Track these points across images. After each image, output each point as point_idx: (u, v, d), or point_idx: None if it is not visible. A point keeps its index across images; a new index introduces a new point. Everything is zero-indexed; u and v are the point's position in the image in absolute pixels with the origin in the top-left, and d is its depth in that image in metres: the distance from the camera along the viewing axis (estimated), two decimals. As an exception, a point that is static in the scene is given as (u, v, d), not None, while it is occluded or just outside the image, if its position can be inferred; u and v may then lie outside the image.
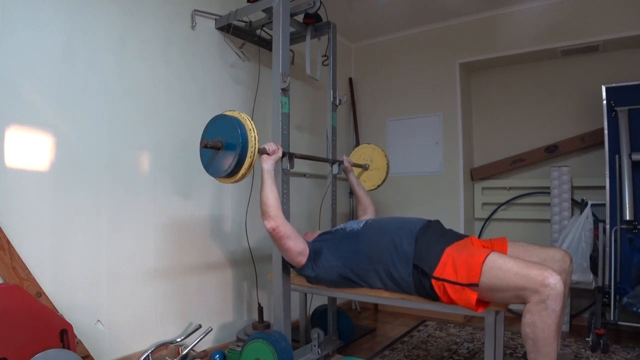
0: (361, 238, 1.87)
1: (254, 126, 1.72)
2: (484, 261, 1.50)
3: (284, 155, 1.97)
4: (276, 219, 1.81)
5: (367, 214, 2.38)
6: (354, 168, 2.55)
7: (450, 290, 1.56)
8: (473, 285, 1.51)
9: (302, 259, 1.90)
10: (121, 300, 1.93)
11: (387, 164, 2.60)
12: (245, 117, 1.76)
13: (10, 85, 1.60)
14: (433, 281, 1.61)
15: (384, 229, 1.85)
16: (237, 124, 1.71)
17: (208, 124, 1.83)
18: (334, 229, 2.07)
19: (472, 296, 1.51)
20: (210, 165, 1.80)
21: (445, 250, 1.64)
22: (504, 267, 1.47)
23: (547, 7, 2.94)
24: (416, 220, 1.87)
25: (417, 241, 1.73)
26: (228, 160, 1.71)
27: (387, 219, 2.01)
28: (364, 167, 2.65)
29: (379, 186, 2.63)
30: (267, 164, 1.86)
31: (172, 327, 2.15)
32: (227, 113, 1.80)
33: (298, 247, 1.88)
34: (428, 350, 2.45)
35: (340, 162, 2.45)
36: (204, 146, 1.74)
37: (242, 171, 1.72)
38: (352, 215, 3.57)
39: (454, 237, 1.79)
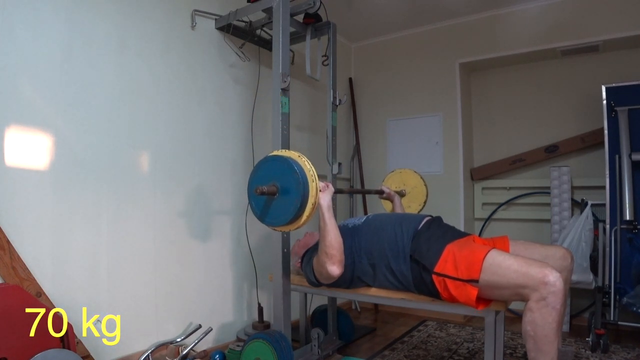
0: (362, 233, 1.87)
1: (310, 164, 1.59)
2: (484, 258, 1.51)
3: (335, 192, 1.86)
4: (341, 264, 1.73)
5: None
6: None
7: (450, 285, 1.56)
8: (473, 281, 1.51)
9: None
10: (121, 300, 1.93)
11: (422, 177, 2.52)
12: (301, 156, 1.60)
13: (10, 85, 1.60)
14: (434, 277, 1.61)
15: (385, 223, 1.85)
16: (292, 163, 1.56)
17: (257, 166, 1.66)
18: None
19: (473, 292, 1.51)
20: (266, 214, 1.62)
21: (446, 246, 1.65)
22: (504, 265, 1.47)
23: (547, 7, 2.95)
24: (417, 216, 1.88)
25: (417, 236, 1.73)
26: (288, 206, 1.55)
27: (388, 214, 2.00)
28: (401, 194, 2.53)
29: (425, 202, 2.51)
30: (325, 199, 1.74)
31: (172, 327, 2.15)
32: (277, 153, 1.64)
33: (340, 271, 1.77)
34: (428, 350, 2.45)
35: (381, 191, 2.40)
36: (260, 193, 1.55)
37: (305, 216, 1.57)
38: (352, 215, 3.56)
39: (456, 234, 1.79)
